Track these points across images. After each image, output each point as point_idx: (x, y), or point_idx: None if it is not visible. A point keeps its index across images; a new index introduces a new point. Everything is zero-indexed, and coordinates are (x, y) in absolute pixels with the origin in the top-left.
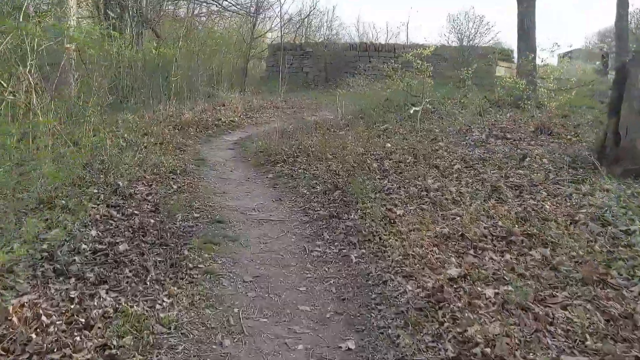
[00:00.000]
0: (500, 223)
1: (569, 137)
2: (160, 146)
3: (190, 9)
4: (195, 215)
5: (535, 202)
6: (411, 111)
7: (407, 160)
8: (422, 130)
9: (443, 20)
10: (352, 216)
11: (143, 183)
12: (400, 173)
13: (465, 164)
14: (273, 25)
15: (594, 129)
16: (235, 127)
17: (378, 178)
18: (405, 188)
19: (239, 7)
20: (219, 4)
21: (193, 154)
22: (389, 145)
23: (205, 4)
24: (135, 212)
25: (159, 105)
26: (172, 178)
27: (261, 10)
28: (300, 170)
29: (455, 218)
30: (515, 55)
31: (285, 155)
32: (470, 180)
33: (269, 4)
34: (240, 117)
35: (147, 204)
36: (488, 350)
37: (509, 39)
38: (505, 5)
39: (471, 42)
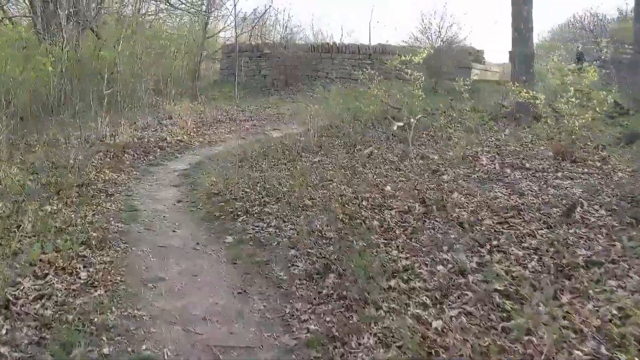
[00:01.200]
0: (604, 350)
1: (597, 164)
2: (79, 190)
3: (135, 7)
4: (106, 350)
5: (631, 298)
6: (394, 127)
7: (415, 210)
8: (416, 156)
9: (408, 18)
10: (365, 340)
11: (34, 272)
12: (412, 234)
13: (496, 216)
14: (226, 25)
15: (623, 152)
16: (184, 148)
17: (382, 243)
18: (427, 266)
19: (189, 5)
20: (168, 2)
21: (124, 199)
22: (389, 188)
23: (153, 1)
24: (2, 349)
25: (91, 122)
26: (83, 256)
27: (213, 9)
28: (270, 229)
29: (530, 340)
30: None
31: (248, 201)
32: (521, 253)
33: (222, 2)
34: (189, 134)
35: (28, 326)
36: None
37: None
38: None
39: (444, 43)
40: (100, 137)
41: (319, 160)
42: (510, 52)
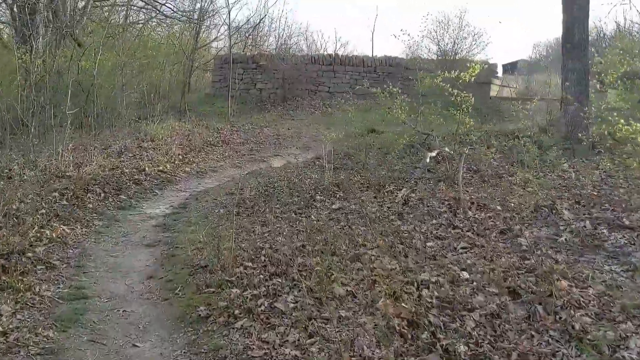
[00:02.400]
0: None
1: None
2: (6, 263)
3: (124, 14)
4: None
5: None
6: (427, 160)
7: (510, 314)
8: (470, 204)
9: (411, 27)
10: None
11: None
12: None
13: None
14: (219, 34)
15: None
16: (166, 182)
17: None
18: None
19: (180, 13)
20: (157, 10)
21: (71, 274)
22: (466, 274)
23: (142, 9)
24: None
25: (57, 145)
26: None
27: (206, 17)
28: (287, 350)
29: None
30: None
31: (250, 286)
32: None
33: (215, 10)
34: (174, 162)
35: None
36: None
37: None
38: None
39: (458, 54)
40: (61, 168)
41: (339, 208)
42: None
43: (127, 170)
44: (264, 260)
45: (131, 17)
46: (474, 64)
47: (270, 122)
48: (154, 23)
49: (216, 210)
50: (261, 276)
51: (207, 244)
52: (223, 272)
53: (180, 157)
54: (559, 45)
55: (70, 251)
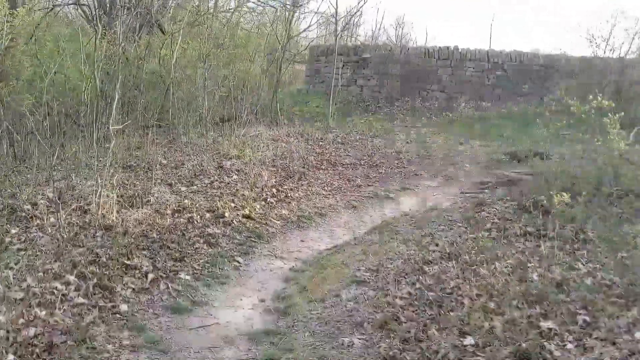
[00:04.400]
0: None
1: None
2: None
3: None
4: None
5: None
6: None
7: None
8: None
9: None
10: None
11: None
12: None
13: None
14: (312, 24)
15: None
16: (254, 239)
17: None
18: None
19: None
20: None
21: None
22: None
23: None
24: None
25: (96, 177)
26: None
27: (300, 3)
28: None
29: None
30: None
31: None
32: None
33: None
34: (266, 200)
35: None
36: None
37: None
38: None
39: (625, 54)
40: (100, 211)
41: None
42: None
43: (197, 217)
44: None
45: (221, 3)
46: None
47: (380, 131)
48: (244, 10)
49: (346, 341)
50: None
51: None
52: None
53: (275, 190)
54: None
55: None
